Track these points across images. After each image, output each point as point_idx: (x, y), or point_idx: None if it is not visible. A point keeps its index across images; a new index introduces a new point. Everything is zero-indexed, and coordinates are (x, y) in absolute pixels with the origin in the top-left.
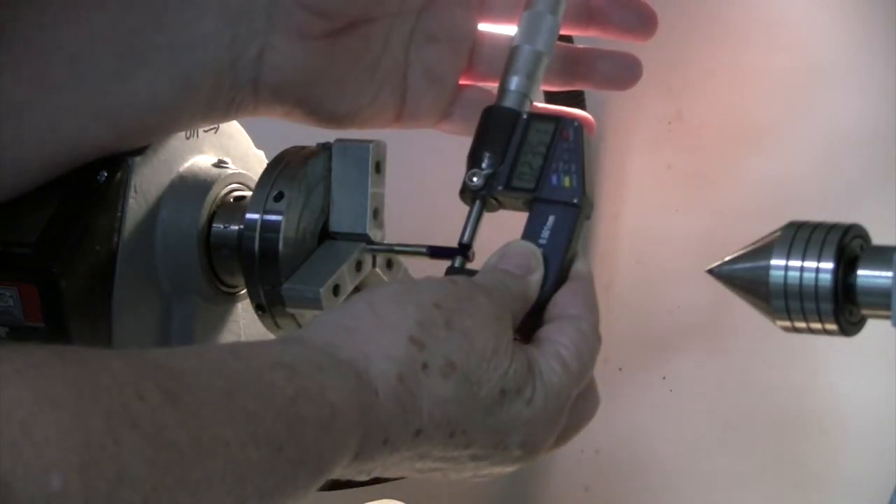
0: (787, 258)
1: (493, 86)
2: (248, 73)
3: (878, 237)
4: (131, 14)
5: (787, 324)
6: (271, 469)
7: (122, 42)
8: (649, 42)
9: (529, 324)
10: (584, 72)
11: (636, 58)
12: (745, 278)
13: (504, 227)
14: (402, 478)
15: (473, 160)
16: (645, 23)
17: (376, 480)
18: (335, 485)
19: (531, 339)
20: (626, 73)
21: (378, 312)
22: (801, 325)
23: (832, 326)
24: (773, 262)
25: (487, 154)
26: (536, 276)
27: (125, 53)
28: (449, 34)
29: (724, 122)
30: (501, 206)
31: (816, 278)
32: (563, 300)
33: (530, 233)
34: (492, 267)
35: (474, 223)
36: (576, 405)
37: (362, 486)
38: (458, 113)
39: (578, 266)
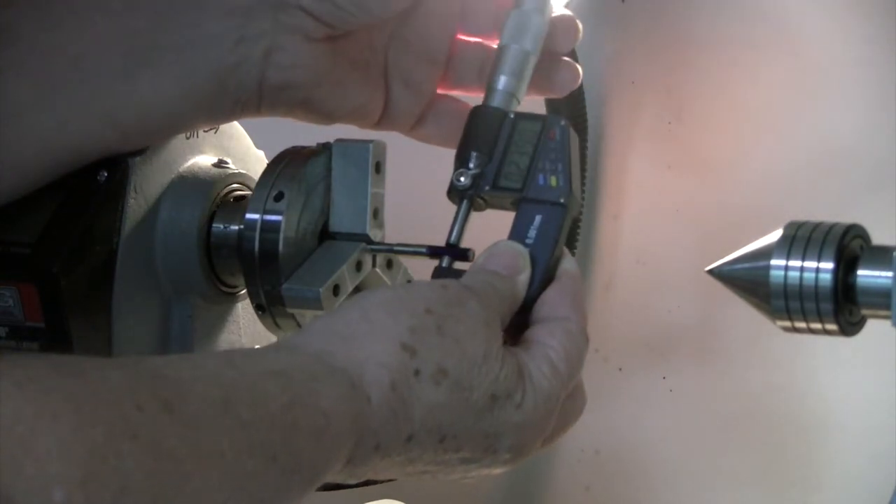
0: (787, 258)
1: (470, 95)
2: (254, 73)
3: (878, 237)
4: (135, 15)
5: (787, 324)
6: (265, 478)
7: (126, 43)
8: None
9: (516, 323)
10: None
11: (576, 66)
12: (745, 278)
13: (504, 227)
14: (393, 479)
15: (461, 160)
16: (571, 34)
17: (367, 482)
18: (326, 486)
19: (519, 339)
20: (570, 80)
21: (371, 319)
22: (801, 325)
23: (832, 326)
24: (773, 262)
25: (475, 153)
26: (524, 277)
27: (129, 54)
28: (425, 43)
29: (724, 122)
30: (488, 205)
31: (816, 278)
32: (551, 300)
33: (517, 233)
34: (479, 268)
35: (461, 223)
36: (563, 406)
37: (353, 487)
38: (432, 121)
39: (565, 265)
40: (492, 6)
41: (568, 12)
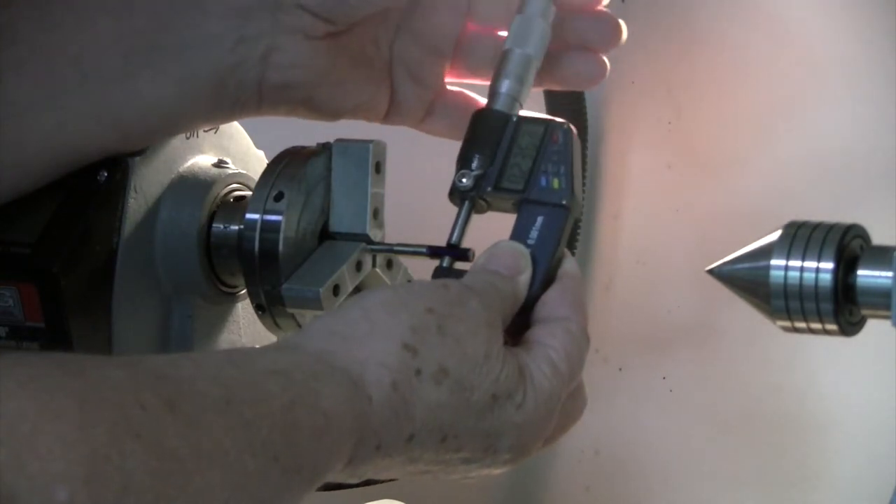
0: (787, 258)
1: (478, 83)
2: (254, 73)
3: (878, 237)
4: (136, 15)
5: (787, 324)
6: (266, 477)
7: (126, 43)
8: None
9: (517, 324)
10: (553, 73)
11: (604, 60)
12: (745, 278)
13: (504, 228)
14: (394, 479)
15: (463, 161)
16: (613, 34)
17: (368, 482)
18: (327, 486)
19: (520, 340)
20: (596, 72)
21: (371, 319)
22: (801, 325)
23: (832, 326)
24: (773, 262)
25: (477, 155)
26: (525, 277)
27: (129, 54)
28: (432, 35)
29: (723, 123)
30: (490, 207)
31: (816, 278)
32: (552, 301)
33: (518, 233)
34: (480, 268)
35: (462, 224)
36: (564, 406)
37: (354, 487)
38: (440, 113)
39: (566, 266)
40: None
41: (610, 12)
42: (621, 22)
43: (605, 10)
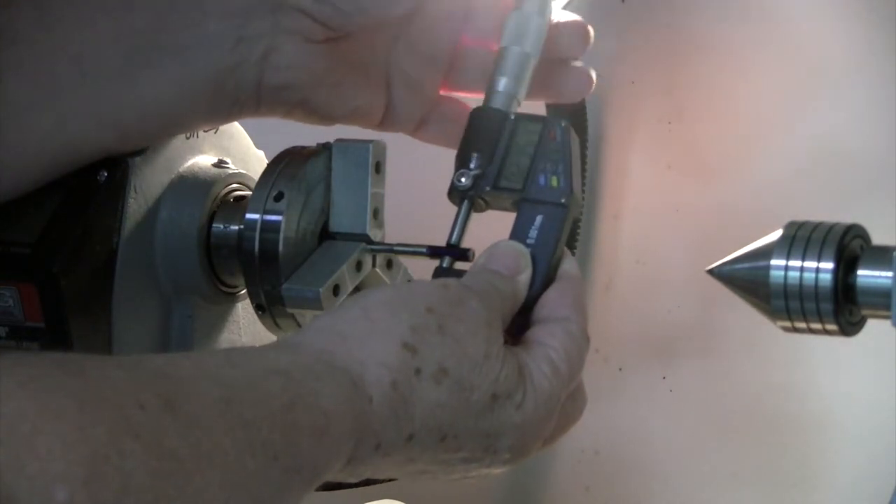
0: (787, 258)
1: (472, 97)
2: (252, 74)
3: (878, 237)
4: (136, 15)
5: (787, 324)
6: (266, 477)
7: (126, 43)
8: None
9: (517, 324)
10: (541, 87)
11: (590, 73)
12: (745, 278)
13: (504, 228)
14: (394, 479)
15: (461, 160)
16: (582, 41)
17: (368, 482)
18: (326, 486)
19: (520, 339)
20: (582, 86)
21: (372, 318)
22: (801, 325)
23: (832, 326)
24: (773, 262)
25: (475, 154)
26: (525, 277)
27: (129, 54)
28: (428, 46)
29: (724, 123)
30: (489, 206)
31: (816, 278)
32: (552, 301)
33: (518, 233)
34: (480, 268)
35: (462, 223)
36: (564, 406)
37: (354, 487)
38: (435, 122)
39: (566, 266)
40: (496, 10)
41: (578, 17)
42: (589, 28)
43: (574, 16)
